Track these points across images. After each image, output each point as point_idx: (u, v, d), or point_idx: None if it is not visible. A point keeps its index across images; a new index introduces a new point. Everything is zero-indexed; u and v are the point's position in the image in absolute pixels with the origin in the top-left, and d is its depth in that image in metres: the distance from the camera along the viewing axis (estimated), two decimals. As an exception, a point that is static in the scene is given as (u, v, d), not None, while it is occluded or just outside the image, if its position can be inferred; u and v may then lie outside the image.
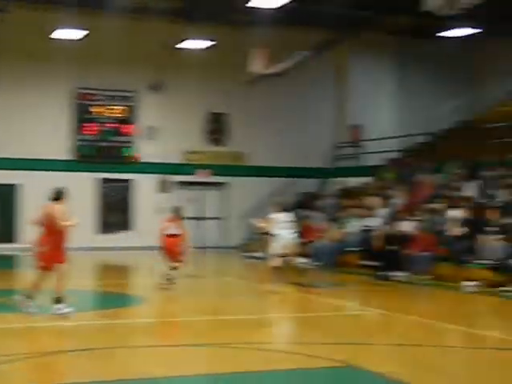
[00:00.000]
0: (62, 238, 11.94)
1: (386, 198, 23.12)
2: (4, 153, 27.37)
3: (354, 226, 22.91)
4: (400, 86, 31.88)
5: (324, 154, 31.65)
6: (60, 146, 28.57)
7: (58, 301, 11.70)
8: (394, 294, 17.06)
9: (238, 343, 10.26)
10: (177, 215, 16.76)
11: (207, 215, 30.91)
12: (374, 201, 20.75)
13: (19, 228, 26.39)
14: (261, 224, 18.89)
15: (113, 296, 15.83)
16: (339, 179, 30.65)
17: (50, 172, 27.73)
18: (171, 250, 16.24)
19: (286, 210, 17.23)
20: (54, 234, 11.82)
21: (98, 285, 19.10)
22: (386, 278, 18.81)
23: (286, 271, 17.08)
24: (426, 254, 18.77)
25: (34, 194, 27.14)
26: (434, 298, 16.90)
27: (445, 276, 18.35)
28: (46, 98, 28.44)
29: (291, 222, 17.09)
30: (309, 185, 30.96)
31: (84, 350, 9.69)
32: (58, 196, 12.16)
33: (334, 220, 23.63)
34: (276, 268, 17.19)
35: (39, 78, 28.14)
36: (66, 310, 11.66)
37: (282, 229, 16.73)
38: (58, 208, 11.91)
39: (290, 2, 22.79)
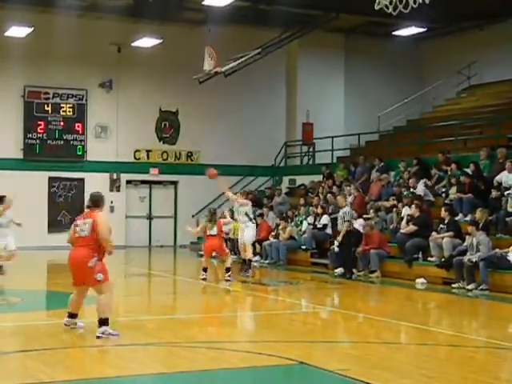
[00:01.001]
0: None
1: (337, 196, 23.19)
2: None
3: (305, 224, 22.98)
4: (349, 84, 32.06)
5: (275, 152, 31.69)
6: (11, 145, 28.16)
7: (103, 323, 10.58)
8: (346, 292, 17.12)
9: (189, 342, 10.19)
10: (213, 216, 17.71)
11: (157, 214, 30.77)
12: (340, 199, 20.87)
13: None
14: (192, 229, 20.04)
15: (62, 295, 15.61)
16: (291, 177, 30.74)
17: (1, 171, 27.33)
18: (210, 249, 17.97)
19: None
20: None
21: (46, 284, 18.84)
22: (341, 276, 18.94)
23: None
24: (377, 251, 18.88)
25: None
26: (385, 296, 17.01)
27: (396, 273, 18.49)
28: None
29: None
30: (260, 183, 31.02)
31: (32, 350, 9.54)
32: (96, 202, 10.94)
33: (285, 218, 23.64)
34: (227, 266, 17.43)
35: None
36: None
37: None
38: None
39: (240, 1, 22.75)
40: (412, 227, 18.46)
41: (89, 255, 10.34)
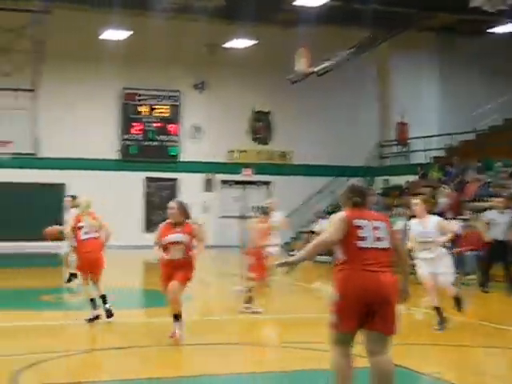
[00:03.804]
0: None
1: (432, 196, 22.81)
2: (54, 153, 27.59)
3: (398, 224, 22.66)
4: (444, 83, 31.45)
5: (369, 152, 31.43)
6: (107, 146, 28.77)
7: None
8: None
9: (280, 342, 10.16)
10: (266, 215, 15.77)
11: (251, 214, 30.83)
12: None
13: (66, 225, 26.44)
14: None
15: (156, 294, 15.80)
16: (384, 178, 30.41)
17: (98, 171, 27.99)
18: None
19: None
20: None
21: (142, 283, 19.12)
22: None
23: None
24: (473, 253, 18.46)
25: (81, 193, 27.34)
26: (482, 299, 16.59)
27: (493, 276, 18.01)
28: (94, 98, 28.64)
29: None
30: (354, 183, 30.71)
31: (121, 348, 9.67)
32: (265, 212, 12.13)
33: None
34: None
35: (87, 78, 28.31)
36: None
37: None
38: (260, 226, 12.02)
39: (332, 1, 22.60)
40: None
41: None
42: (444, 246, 11.52)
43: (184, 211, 10.29)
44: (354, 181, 30.45)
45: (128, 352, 9.48)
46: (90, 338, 10.85)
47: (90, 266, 11.62)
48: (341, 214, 6.38)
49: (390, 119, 31.65)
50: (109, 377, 8.40)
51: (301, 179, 30.02)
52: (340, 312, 6.17)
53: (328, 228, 6.42)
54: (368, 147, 31.40)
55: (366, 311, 6.11)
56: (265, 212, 13.54)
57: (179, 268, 9.88)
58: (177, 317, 9.90)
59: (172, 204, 10.37)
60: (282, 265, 6.51)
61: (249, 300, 12.36)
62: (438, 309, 11.19)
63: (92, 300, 11.33)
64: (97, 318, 11.28)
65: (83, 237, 11.62)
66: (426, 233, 10.81)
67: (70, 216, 15.44)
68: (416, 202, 11.40)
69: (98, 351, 9.63)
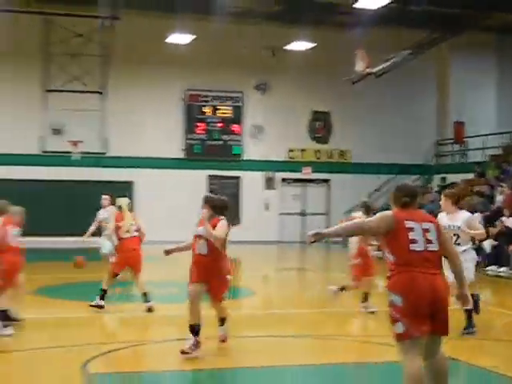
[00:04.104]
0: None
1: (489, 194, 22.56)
2: (122, 152, 28.00)
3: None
4: (502, 82, 31.00)
5: (427, 150, 31.15)
6: (173, 145, 29.06)
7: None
8: (496, 289, 16.59)
9: (339, 335, 10.17)
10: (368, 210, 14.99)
11: (310, 211, 30.86)
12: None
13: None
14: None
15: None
16: (442, 176, 30.11)
17: (164, 169, 28.32)
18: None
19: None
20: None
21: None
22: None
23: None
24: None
25: (148, 190, 27.77)
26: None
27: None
28: (160, 99, 28.94)
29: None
30: (411, 181, 30.50)
31: (183, 339, 9.78)
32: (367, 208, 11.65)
33: (436, 216, 23.14)
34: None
35: (153, 81, 28.65)
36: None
37: None
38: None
39: (391, 3, 22.44)
40: None
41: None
42: (473, 242, 11.22)
43: (214, 206, 9.28)
44: (412, 179, 30.35)
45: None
46: (154, 330, 11.02)
47: (131, 264, 11.83)
48: (390, 212, 6.20)
49: (448, 118, 31.28)
50: (171, 367, 8.53)
51: (359, 177, 29.89)
52: (408, 317, 5.84)
53: (373, 218, 6.25)
54: (425, 146, 31.15)
55: (429, 313, 5.91)
56: (367, 208, 11.91)
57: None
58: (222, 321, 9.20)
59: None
60: (315, 235, 6.14)
61: (365, 299, 12.06)
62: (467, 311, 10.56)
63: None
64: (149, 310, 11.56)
65: (124, 235, 11.82)
66: (452, 226, 10.51)
67: (105, 215, 15.69)
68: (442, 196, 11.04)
69: (162, 343, 9.75)
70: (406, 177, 30.20)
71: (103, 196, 16.28)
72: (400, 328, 5.88)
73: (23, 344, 9.40)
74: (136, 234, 11.97)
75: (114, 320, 11.59)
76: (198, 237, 8.95)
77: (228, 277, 8.96)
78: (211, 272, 8.79)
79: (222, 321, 9.16)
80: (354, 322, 11.85)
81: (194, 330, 8.67)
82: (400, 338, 5.93)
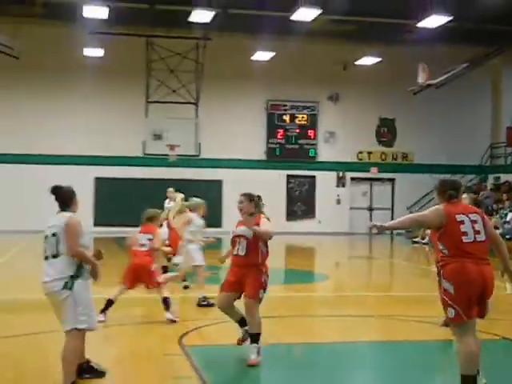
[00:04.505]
0: None
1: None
2: (212, 154, 28.27)
3: (510, 215, 21.93)
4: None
5: (480, 152, 30.50)
6: (256, 148, 29.22)
7: None
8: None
9: (403, 316, 10.06)
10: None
11: (376, 206, 30.61)
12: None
13: (224, 215, 26.96)
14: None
15: (300, 273, 15.96)
16: (495, 175, 29.44)
17: (248, 170, 28.50)
18: None
19: None
20: None
21: (286, 263, 19.30)
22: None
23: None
24: None
25: (235, 187, 27.97)
26: None
27: None
28: (245, 109, 29.11)
29: None
30: (468, 180, 29.94)
31: (271, 317, 9.83)
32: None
33: (490, 211, 22.66)
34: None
35: (239, 93, 28.85)
36: None
37: None
38: None
39: (449, 22, 22.02)
40: None
41: None
42: None
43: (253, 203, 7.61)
44: (469, 178, 29.76)
45: (274, 321, 9.64)
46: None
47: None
48: (441, 207, 6.01)
49: (501, 123, 30.56)
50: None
51: (421, 176, 29.41)
52: (461, 303, 5.75)
53: (426, 211, 6.05)
54: (481, 148, 30.49)
55: (478, 299, 5.83)
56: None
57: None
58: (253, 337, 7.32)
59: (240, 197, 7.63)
60: (377, 227, 6.02)
61: None
62: None
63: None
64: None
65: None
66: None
67: (170, 205, 15.60)
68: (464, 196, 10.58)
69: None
70: (463, 176, 29.72)
71: (168, 189, 16.26)
72: (452, 313, 5.79)
73: (128, 319, 9.57)
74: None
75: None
76: (237, 237, 7.38)
77: (264, 278, 7.31)
78: (247, 274, 7.27)
79: (244, 322, 7.55)
80: (414, 304, 11.70)
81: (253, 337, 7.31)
82: (452, 321, 5.86)
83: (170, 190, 16.20)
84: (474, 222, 5.91)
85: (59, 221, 6.23)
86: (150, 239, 9.34)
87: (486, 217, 6.12)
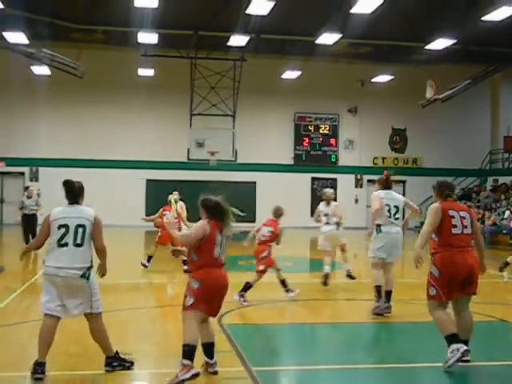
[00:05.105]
0: None
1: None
2: (247, 159, 28.32)
3: (507, 213, 21.67)
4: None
5: (481, 158, 30.18)
6: (284, 154, 29.23)
7: None
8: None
9: (416, 300, 10.02)
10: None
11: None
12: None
13: (257, 212, 26.99)
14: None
15: (319, 262, 15.91)
16: (494, 178, 29.12)
17: (278, 173, 28.53)
18: None
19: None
20: None
21: (309, 254, 19.30)
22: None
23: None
24: None
25: (267, 188, 28.10)
26: None
27: None
28: (275, 120, 29.16)
29: None
30: (470, 182, 29.71)
31: (298, 300, 9.87)
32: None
33: (490, 209, 22.43)
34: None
35: (270, 106, 28.89)
36: None
37: None
38: None
39: (454, 44, 21.85)
40: None
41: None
42: None
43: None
44: (470, 180, 29.49)
45: (300, 304, 9.69)
46: (272, 292, 11.12)
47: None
48: (437, 206, 6.32)
49: (499, 132, 30.22)
50: (286, 321, 8.64)
51: (429, 179, 29.06)
52: (442, 285, 6.11)
53: (429, 218, 6.27)
54: (482, 154, 30.17)
55: (461, 282, 6.11)
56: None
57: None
58: None
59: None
60: (418, 259, 6.22)
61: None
62: None
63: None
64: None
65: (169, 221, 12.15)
66: None
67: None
68: None
69: (279, 302, 9.87)
70: (465, 178, 29.47)
71: (174, 192, 14.62)
72: (433, 291, 6.18)
73: (175, 300, 9.65)
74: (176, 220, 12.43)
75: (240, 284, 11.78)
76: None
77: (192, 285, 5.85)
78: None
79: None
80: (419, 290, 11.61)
81: None
82: (430, 298, 6.25)
83: (175, 192, 14.40)
84: (463, 218, 6.25)
85: (87, 214, 5.97)
86: (271, 232, 9.61)
87: (474, 215, 6.46)
